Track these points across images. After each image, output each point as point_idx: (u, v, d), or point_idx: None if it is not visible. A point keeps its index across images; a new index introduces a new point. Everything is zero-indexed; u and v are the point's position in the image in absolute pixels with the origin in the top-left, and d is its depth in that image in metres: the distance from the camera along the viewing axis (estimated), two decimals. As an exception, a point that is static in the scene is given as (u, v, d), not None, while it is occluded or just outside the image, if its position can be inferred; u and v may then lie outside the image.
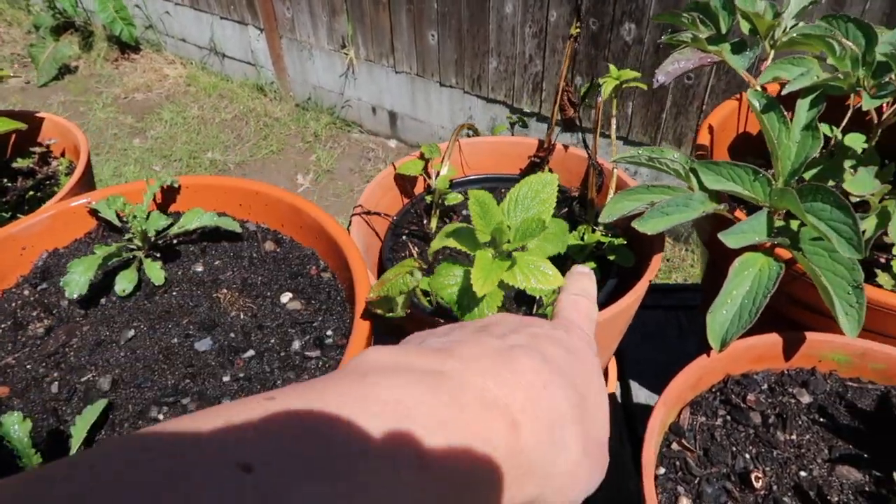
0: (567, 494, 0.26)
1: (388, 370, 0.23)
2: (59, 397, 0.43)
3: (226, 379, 0.44)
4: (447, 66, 2.69)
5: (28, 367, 0.45)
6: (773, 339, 0.45)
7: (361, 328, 0.43)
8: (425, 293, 0.47)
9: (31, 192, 0.65)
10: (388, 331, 0.47)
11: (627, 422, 0.69)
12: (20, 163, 0.67)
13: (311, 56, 3.11)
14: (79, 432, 0.38)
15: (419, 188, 0.62)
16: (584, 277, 0.35)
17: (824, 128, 0.50)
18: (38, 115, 0.63)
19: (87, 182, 0.63)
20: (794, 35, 0.49)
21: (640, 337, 0.74)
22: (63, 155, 0.70)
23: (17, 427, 0.36)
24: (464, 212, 0.60)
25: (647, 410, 0.66)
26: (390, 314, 0.43)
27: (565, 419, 0.25)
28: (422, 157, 0.60)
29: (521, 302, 0.52)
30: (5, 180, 0.65)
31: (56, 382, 0.44)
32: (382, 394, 0.21)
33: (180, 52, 3.83)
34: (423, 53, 2.73)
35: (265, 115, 3.46)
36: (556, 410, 0.25)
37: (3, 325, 0.48)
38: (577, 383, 0.27)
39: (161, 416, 0.41)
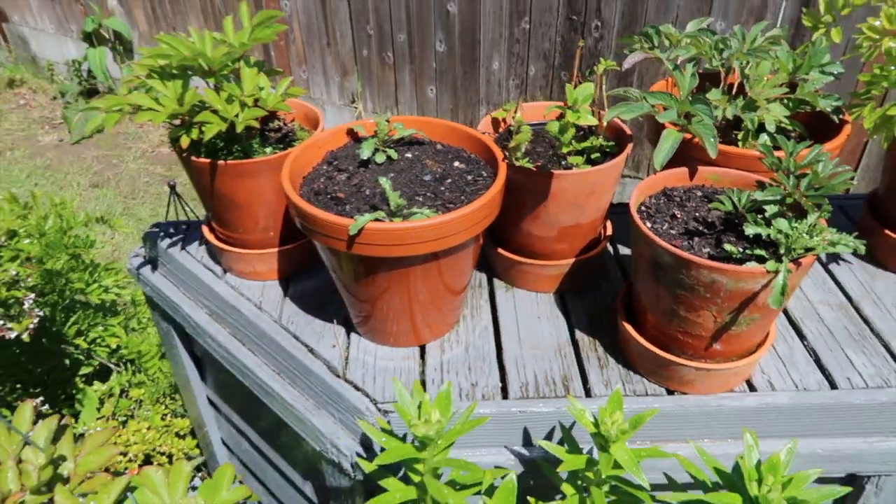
0: None
1: None
2: (370, 196, 0.96)
3: (441, 188, 0.97)
4: (444, 115, 3.28)
5: (346, 189, 0.98)
6: (682, 170, 1.01)
7: (502, 167, 0.97)
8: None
9: (284, 137, 1.18)
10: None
11: (617, 259, 1.25)
12: (272, 124, 1.21)
13: (323, 111, 3.67)
14: (392, 199, 0.92)
15: (502, 126, 1.18)
16: None
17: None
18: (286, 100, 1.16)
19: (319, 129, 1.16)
20: (687, 41, 1.07)
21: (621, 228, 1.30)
22: (293, 121, 1.23)
23: (388, 187, 0.89)
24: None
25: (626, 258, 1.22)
26: (519, 162, 0.97)
27: None
28: (505, 110, 1.16)
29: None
30: (269, 133, 1.18)
31: (367, 191, 0.97)
32: None
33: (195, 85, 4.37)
34: (424, 104, 3.32)
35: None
36: None
37: (322, 178, 1.01)
38: None
39: (420, 198, 0.95)
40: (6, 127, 4.53)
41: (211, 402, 1.59)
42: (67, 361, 2.15)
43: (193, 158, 1.05)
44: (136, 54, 4.31)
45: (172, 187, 1.68)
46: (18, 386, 2.02)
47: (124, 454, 1.97)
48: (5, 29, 5.02)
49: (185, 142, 1.01)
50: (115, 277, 2.24)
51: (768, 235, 0.83)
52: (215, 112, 1.01)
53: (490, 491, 0.80)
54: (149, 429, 2.04)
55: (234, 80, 1.06)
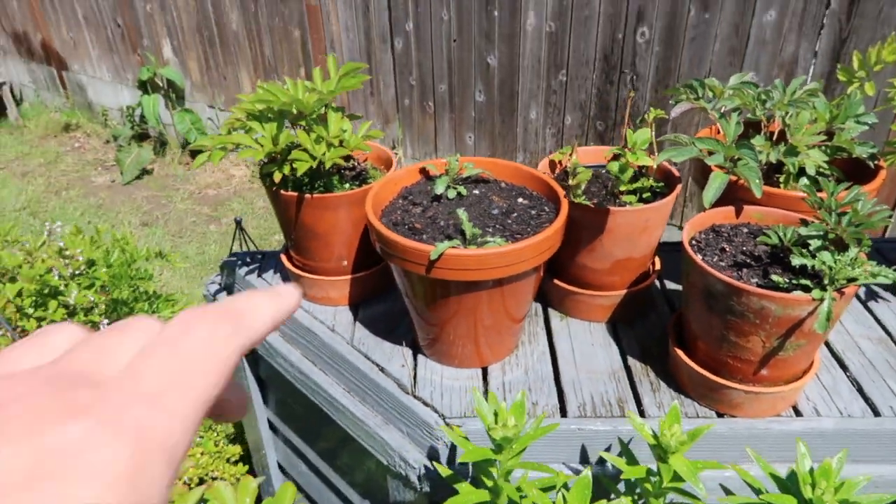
0: None
1: None
2: (445, 227, 1.06)
3: (508, 221, 1.07)
4: (481, 160, 3.39)
5: (421, 221, 1.08)
6: (729, 208, 1.10)
7: (565, 203, 1.07)
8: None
9: (359, 175, 1.30)
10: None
11: (664, 293, 1.33)
12: (348, 164, 1.33)
13: (364, 156, 3.80)
14: (467, 228, 1.02)
15: (558, 168, 1.28)
16: (258, 297, 0.28)
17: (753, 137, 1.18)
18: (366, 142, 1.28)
19: (392, 169, 1.27)
20: (730, 92, 1.18)
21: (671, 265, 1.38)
22: (366, 160, 1.35)
23: (464, 218, 1.00)
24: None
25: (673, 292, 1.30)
26: (578, 199, 1.07)
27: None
28: (561, 153, 1.27)
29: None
30: (346, 171, 1.30)
31: (441, 222, 1.07)
32: None
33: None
34: (462, 151, 3.45)
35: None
36: None
37: (399, 211, 1.12)
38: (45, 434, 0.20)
39: (490, 229, 1.05)
40: (62, 168, 4.76)
41: (270, 426, 1.67)
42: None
43: (283, 192, 1.16)
44: (188, 101, 4.55)
45: (238, 222, 1.81)
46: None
47: (179, 478, 2.05)
48: (65, 77, 5.31)
49: (277, 177, 1.12)
50: (172, 308, 2.36)
51: (813, 266, 0.91)
52: (305, 151, 1.13)
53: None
54: (202, 454, 2.12)
55: (321, 123, 1.19)
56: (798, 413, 1.06)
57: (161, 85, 4.53)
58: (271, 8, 3.74)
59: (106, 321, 1.79)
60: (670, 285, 1.38)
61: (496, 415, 0.85)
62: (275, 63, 3.93)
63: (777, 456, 1.05)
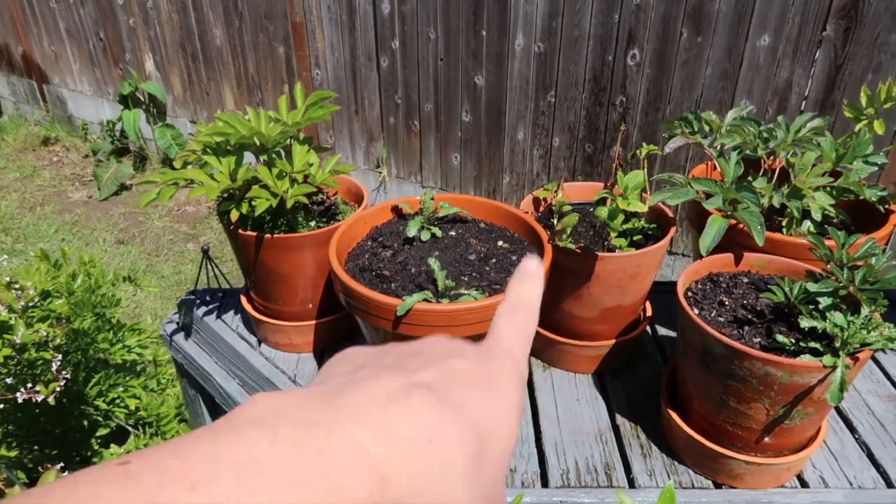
0: None
1: (261, 424, 0.22)
2: (416, 275, 0.96)
3: (486, 268, 0.97)
4: (467, 182, 3.32)
5: (392, 267, 0.98)
6: (728, 255, 1.01)
7: (548, 249, 0.98)
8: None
9: (327, 210, 1.20)
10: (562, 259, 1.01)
11: (655, 339, 1.23)
12: (315, 197, 1.22)
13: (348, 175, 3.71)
14: (440, 280, 0.92)
15: (542, 206, 1.19)
16: (527, 279, 0.35)
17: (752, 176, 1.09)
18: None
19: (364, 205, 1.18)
20: (729, 128, 1.09)
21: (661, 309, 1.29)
22: (336, 194, 1.25)
23: (437, 267, 0.90)
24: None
25: (665, 338, 1.21)
26: (563, 243, 0.98)
27: (456, 472, 0.24)
28: (546, 190, 1.17)
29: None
30: (313, 206, 1.20)
31: (412, 269, 0.97)
32: (237, 452, 0.21)
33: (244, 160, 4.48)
34: (447, 171, 3.36)
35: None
36: (444, 462, 0.24)
37: (367, 254, 1.02)
38: (483, 429, 0.26)
39: (465, 279, 0.95)
40: (38, 183, 4.64)
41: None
42: (86, 423, 2.13)
43: (241, 231, 1.06)
44: (170, 116, 4.45)
45: (206, 251, 1.70)
46: (36, 448, 2.00)
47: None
48: (45, 90, 5.20)
49: (234, 216, 1.02)
50: (138, 337, 2.24)
51: (824, 329, 0.81)
52: (265, 187, 1.03)
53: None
54: None
55: (285, 156, 1.09)
56: (804, 483, 0.96)
57: (142, 99, 4.42)
58: (256, 24, 3.65)
59: (59, 357, 1.67)
60: (662, 330, 1.28)
61: None
62: (258, 80, 3.83)
63: (780, 530, 0.96)
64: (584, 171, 2.92)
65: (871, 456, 1.01)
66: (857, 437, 1.04)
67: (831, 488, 0.95)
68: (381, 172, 3.61)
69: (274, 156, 1.06)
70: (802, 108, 2.46)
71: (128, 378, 2.31)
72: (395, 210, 1.11)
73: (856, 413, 1.08)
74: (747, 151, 1.13)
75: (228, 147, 1.03)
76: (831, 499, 0.94)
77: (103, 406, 2.16)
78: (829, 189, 1.07)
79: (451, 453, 0.24)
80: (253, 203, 1.01)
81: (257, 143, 1.04)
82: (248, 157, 1.06)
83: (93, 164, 4.74)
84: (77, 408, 2.13)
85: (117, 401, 2.22)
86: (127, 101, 4.38)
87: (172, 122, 4.46)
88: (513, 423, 0.28)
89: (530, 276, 0.35)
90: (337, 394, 0.25)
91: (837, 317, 0.82)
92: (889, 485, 0.96)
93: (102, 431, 2.21)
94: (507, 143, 3.09)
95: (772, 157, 1.12)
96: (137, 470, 0.20)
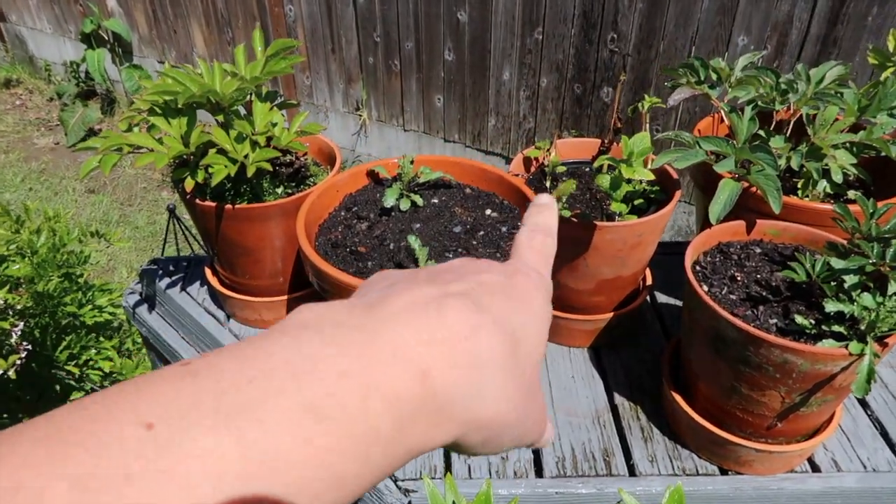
0: (496, 438, 0.28)
1: (310, 327, 0.25)
2: (395, 251, 0.86)
3: (473, 242, 0.87)
4: (451, 125, 3.18)
5: (368, 242, 0.88)
6: (739, 223, 0.92)
7: (540, 217, 0.88)
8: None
9: (297, 173, 1.08)
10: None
11: (655, 307, 1.15)
12: (283, 159, 1.11)
13: (327, 117, 3.56)
14: (421, 258, 0.82)
15: (534, 166, 1.08)
16: (543, 209, 0.38)
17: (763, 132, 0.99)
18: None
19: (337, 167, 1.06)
20: (741, 77, 0.98)
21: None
22: (305, 155, 1.13)
23: (417, 245, 0.79)
24: (563, 178, 1.06)
25: (665, 306, 1.12)
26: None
27: (493, 365, 0.26)
28: (538, 148, 1.06)
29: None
30: (280, 169, 1.08)
31: (391, 245, 0.87)
32: (293, 351, 0.23)
33: (202, 118, 4.28)
34: (430, 114, 3.22)
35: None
36: (480, 357, 0.26)
37: (341, 227, 0.91)
38: (514, 329, 0.28)
39: (450, 255, 0.85)
40: (1, 129, 4.42)
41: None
42: (58, 387, 2.05)
43: (198, 201, 0.95)
44: (136, 56, 4.21)
45: (171, 210, 1.58)
46: (6, 416, 1.92)
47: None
48: (2, 28, 4.90)
49: (189, 185, 0.91)
50: (109, 297, 2.14)
51: (851, 313, 0.73)
52: (223, 152, 0.91)
53: None
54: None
55: (245, 114, 0.96)
56: (815, 467, 0.90)
57: (106, 38, 4.17)
58: (221, -46, 3.41)
59: (20, 327, 1.57)
60: (661, 298, 1.20)
61: (455, 511, 0.67)
62: (228, 16, 3.61)
63: (789, 516, 0.90)
64: (572, 112, 2.79)
65: (885, 434, 0.94)
66: (869, 413, 0.98)
67: (844, 472, 0.89)
68: (361, 115, 3.45)
69: (232, 115, 0.94)
70: (803, 44, 2.33)
71: (100, 340, 2.21)
72: (371, 175, 1.00)
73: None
74: (761, 104, 1.02)
75: (179, 107, 0.91)
76: (844, 483, 0.88)
77: (75, 370, 2.07)
78: (849, 146, 0.97)
79: (487, 349, 0.27)
80: (210, 171, 0.90)
81: (212, 101, 0.91)
82: (206, 116, 0.94)
83: (58, 107, 4.51)
84: (47, 372, 2.04)
85: (90, 363, 2.13)
86: (90, 39, 4.13)
87: (140, 62, 4.23)
88: (541, 326, 0.31)
89: (545, 206, 0.39)
90: (377, 304, 0.27)
91: (867, 299, 0.73)
92: (905, 467, 0.90)
93: (76, 395, 2.13)
94: (493, 83, 2.94)
95: (786, 109, 1.02)
96: (197, 368, 0.22)
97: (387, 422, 0.23)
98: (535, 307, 0.31)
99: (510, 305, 0.29)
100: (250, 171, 0.89)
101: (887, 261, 0.75)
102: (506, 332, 0.28)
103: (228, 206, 0.94)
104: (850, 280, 0.76)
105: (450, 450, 0.28)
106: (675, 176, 1.00)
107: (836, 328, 0.75)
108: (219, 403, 0.21)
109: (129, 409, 0.20)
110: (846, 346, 0.72)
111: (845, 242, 0.83)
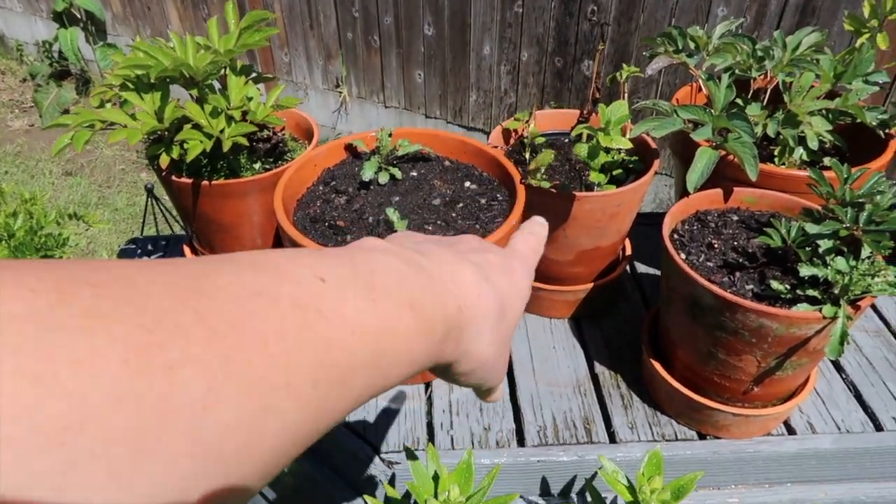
0: (477, 369, 0.37)
1: (387, 252, 0.33)
2: (374, 224, 0.86)
3: (453, 214, 0.87)
4: (432, 101, 3.16)
5: (347, 216, 0.88)
6: (717, 191, 0.92)
7: (521, 191, 0.88)
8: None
9: (274, 149, 1.07)
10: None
11: (634, 277, 1.16)
12: (260, 134, 1.10)
13: (307, 94, 3.52)
14: (400, 231, 0.81)
15: (514, 137, 1.08)
16: (538, 226, 0.48)
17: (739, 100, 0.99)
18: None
19: (314, 142, 1.05)
20: (719, 45, 0.98)
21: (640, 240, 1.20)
22: (283, 130, 1.12)
23: (396, 218, 0.79)
24: (542, 149, 1.06)
25: (645, 276, 1.13)
26: (536, 182, 0.87)
27: (488, 319, 0.36)
28: (517, 120, 1.06)
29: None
30: (257, 144, 1.07)
31: (370, 218, 0.87)
32: (390, 261, 0.32)
33: (176, 93, 4.21)
34: (411, 90, 3.19)
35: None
36: (482, 310, 0.35)
37: (319, 201, 0.91)
38: (503, 296, 0.38)
39: (430, 228, 0.85)
40: (-27, 111, 4.33)
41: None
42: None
43: (174, 178, 0.94)
44: (110, 35, 4.13)
45: (149, 190, 1.56)
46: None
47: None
48: (-31, 6, 4.78)
49: (164, 161, 0.90)
50: (90, 280, 2.11)
51: (825, 277, 0.74)
52: (198, 127, 0.90)
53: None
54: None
55: (220, 88, 0.95)
56: (791, 430, 0.92)
57: (79, 16, 4.08)
58: (194, -72, 3.33)
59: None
60: (641, 268, 1.21)
61: (436, 480, 0.68)
62: (203, -8, 3.54)
63: (766, 478, 0.92)
64: (553, 86, 2.78)
65: (858, 397, 0.96)
66: (844, 376, 0.99)
67: (819, 434, 0.91)
68: (341, 92, 3.42)
69: (206, 90, 0.92)
70: (782, 14, 2.33)
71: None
72: (349, 149, 0.99)
73: (844, 348, 1.03)
74: (738, 71, 1.02)
75: (152, 81, 0.89)
76: (819, 445, 0.90)
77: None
78: (825, 112, 0.98)
79: (489, 308, 0.36)
80: (185, 146, 0.89)
81: (185, 75, 0.90)
82: (181, 91, 0.93)
83: (32, 88, 4.42)
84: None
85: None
86: (62, 18, 4.04)
87: (114, 41, 4.15)
88: (523, 299, 0.41)
89: (541, 224, 0.49)
90: (421, 251, 0.36)
91: (840, 262, 0.74)
92: (878, 427, 0.92)
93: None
94: (473, 58, 2.92)
95: (763, 77, 1.02)
96: (278, 261, 0.28)
97: (440, 328, 0.32)
98: (521, 286, 0.41)
99: (505, 282, 0.39)
100: (226, 146, 0.88)
101: (861, 225, 0.76)
102: (499, 300, 0.37)
103: (205, 182, 0.93)
104: (824, 245, 0.77)
105: (440, 374, 0.37)
106: (654, 145, 1.00)
107: (810, 292, 0.76)
108: (363, 282, 0.30)
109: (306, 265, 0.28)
110: (820, 310, 0.73)
111: (820, 208, 0.83)
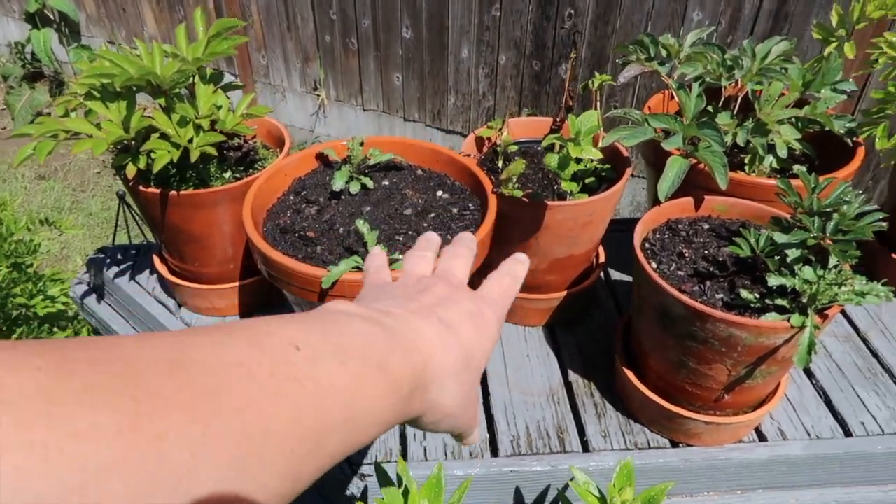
0: (443, 420, 0.38)
1: (353, 315, 0.35)
2: (344, 235, 0.85)
3: (424, 224, 0.87)
4: (410, 104, 3.15)
5: (317, 226, 0.87)
6: (688, 199, 0.93)
7: (493, 200, 0.87)
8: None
9: (245, 157, 1.06)
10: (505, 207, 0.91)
11: (608, 284, 1.16)
12: (231, 143, 1.08)
13: (284, 97, 3.50)
14: (371, 243, 0.81)
15: (487, 146, 1.07)
16: (517, 264, 0.49)
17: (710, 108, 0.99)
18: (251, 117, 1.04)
19: (286, 150, 1.04)
20: (690, 53, 0.98)
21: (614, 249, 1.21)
22: (254, 138, 1.11)
23: (366, 230, 0.78)
24: (515, 157, 1.06)
25: (618, 283, 1.13)
26: (508, 191, 0.87)
27: (451, 372, 0.37)
28: (490, 128, 1.05)
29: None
30: (228, 152, 1.06)
31: (340, 229, 0.86)
32: (358, 325, 0.34)
33: (144, 100, 4.16)
34: (389, 93, 3.18)
35: (244, 150, 3.82)
36: (446, 366, 0.37)
37: (289, 211, 0.90)
38: (468, 347, 0.39)
39: (400, 238, 0.84)
40: (-57, 114, 4.25)
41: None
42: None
43: (142, 188, 0.92)
44: (84, 36, 4.07)
45: (122, 197, 1.54)
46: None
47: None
48: (-61, 7, 4.69)
49: (131, 172, 0.88)
50: (61, 286, 2.08)
51: (793, 287, 0.74)
52: (165, 137, 0.88)
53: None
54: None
55: (188, 96, 0.94)
56: (762, 437, 0.92)
57: (52, 18, 4.02)
58: (169, -71, 3.30)
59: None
60: (615, 275, 1.21)
61: (406, 496, 0.67)
62: (178, -6, 3.50)
63: (738, 485, 0.92)
64: (531, 90, 2.78)
65: (828, 403, 0.97)
66: (814, 382, 1.00)
67: (789, 440, 0.92)
68: (319, 95, 3.40)
69: (174, 98, 0.91)
70: (756, 19, 2.35)
71: (54, 331, 2.16)
72: (321, 157, 0.99)
73: (813, 357, 1.04)
74: (708, 80, 1.03)
75: (118, 90, 0.88)
76: (790, 451, 0.90)
77: (28, 362, 2.01)
78: (794, 121, 0.98)
79: (453, 361, 0.38)
80: (152, 156, 0.87)
81: (152, 83, 0.88)
82: (149, 99, 0.91)
83: (4, 91, 4.35)
84: None
85: (44, 354, 2.08)
86: (35, 19, 3.96)
87: (88, 42, 4.08)
88: (490, 348, 0.42)
89: (521, 262, 0.49)
90: (387, 312, 0.38)
91: (808, 272, 0.74)
92: (847, 433, 0.93)
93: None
94: (452, 61, 2.92)
95: (734, 85, 1.03)
96: (257, 329, 0.30)
97: (406, 387, 0.34)
98: (488, 332, 0.42)
99: (472, 332, 0.40)
100: (194, 156, 0.87)
101: (828, 234, 0.77)
102: (464, 352, 0.39)
103: (173, 192, 0.91)
104: (792, 254, 0.78)
105: (410, 423, 0.38)
106: (626, 154, 1.00)
107: (779, 302, 0.76)
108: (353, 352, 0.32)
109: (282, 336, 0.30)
110: (788, 320, 0.74)
111: (789, 217, 0.84)
